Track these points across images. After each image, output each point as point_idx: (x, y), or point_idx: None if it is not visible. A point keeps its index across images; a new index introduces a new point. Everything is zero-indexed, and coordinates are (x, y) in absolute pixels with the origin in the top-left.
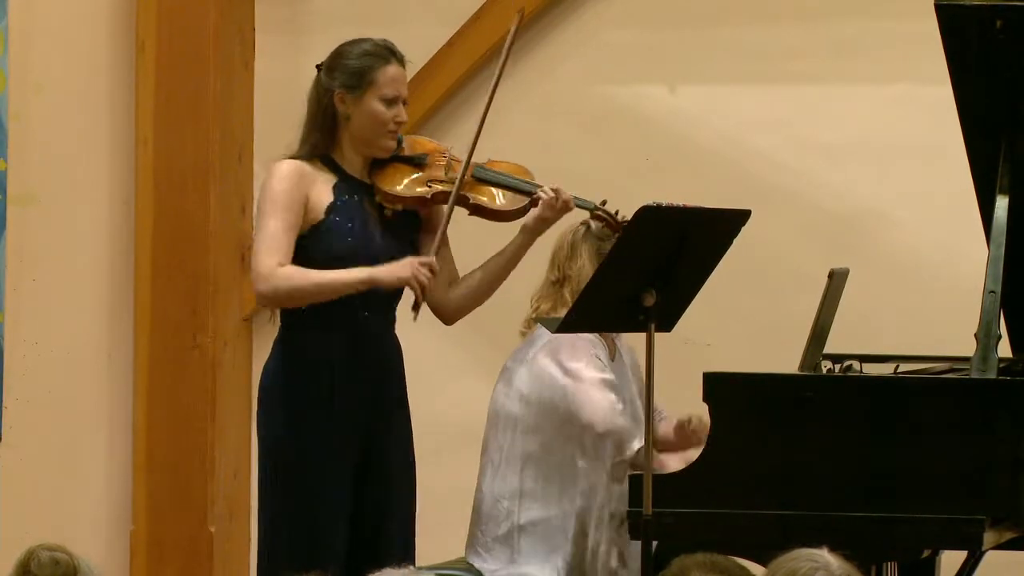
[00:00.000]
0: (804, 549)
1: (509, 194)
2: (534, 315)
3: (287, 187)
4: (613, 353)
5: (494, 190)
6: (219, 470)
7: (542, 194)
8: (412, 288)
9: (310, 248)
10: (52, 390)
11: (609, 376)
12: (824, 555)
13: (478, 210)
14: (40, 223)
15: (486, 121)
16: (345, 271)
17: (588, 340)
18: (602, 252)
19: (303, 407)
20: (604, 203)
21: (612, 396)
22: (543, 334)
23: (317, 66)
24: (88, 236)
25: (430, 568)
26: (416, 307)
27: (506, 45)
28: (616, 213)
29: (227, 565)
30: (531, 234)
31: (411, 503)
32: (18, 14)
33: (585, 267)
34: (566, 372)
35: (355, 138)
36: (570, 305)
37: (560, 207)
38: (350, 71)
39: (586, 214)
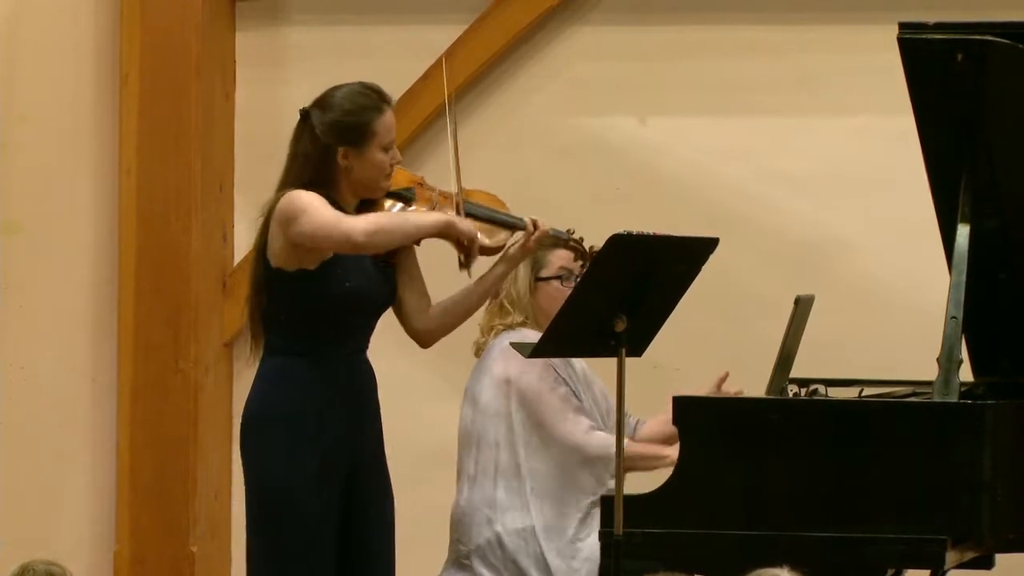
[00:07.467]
0: (765, 570)
1: (495, 229)
2: (483, 336)
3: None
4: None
5: (483, 225)
6: (201, 491)
7: (527, 225)
8: (470, 244)
9: (313, 288)
10: (38, 413)
11: (564, 389)
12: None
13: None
14: (26, 250)
15: (460, 154)
16: (425, 213)
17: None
18: (538, 262)
19: (287, 435)
20: (572, 232)
21: (584, 420)
22: (494, 346)
23: (301, 111)
24: (73, 263)
25: None
26: (468, 264)
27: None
28: (582, 240)
29: None
30: (511, 262)
31: (391, 527)
32: (3, 45)
33: (519, 272)
34: (526, 387)
35: (355, 185)
36: (511, 312)
37: (539, 236)
38: (348, 127)
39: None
